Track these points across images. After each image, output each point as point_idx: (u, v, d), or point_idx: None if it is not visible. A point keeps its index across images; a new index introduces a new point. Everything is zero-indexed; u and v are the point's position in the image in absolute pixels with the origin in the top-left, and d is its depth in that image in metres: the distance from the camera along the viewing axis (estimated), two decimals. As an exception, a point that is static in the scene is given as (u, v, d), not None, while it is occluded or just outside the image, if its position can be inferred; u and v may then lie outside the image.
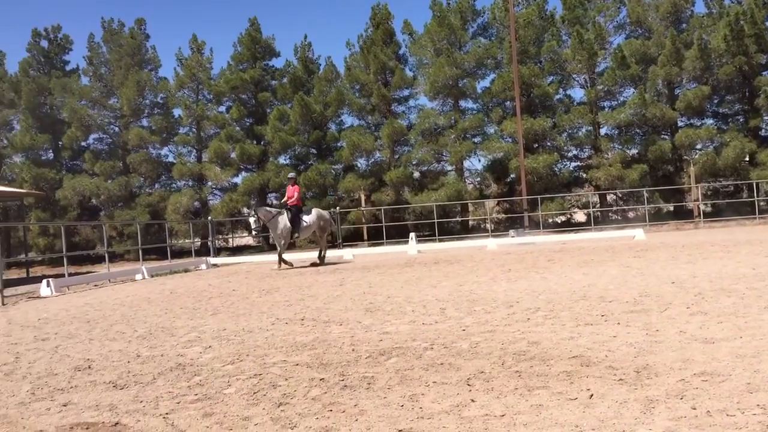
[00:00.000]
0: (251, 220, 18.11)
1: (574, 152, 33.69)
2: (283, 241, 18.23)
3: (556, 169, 32.07)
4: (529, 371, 4.64)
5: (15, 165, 36.64)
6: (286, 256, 18.74)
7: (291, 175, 19.39)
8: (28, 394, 5.09)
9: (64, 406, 4.65)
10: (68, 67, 38.48)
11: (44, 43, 37.74)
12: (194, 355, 6.18)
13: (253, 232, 18.71)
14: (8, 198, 30.70)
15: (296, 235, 18.48)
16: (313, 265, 18.51)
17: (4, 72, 37.71)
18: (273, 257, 24.10)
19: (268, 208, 18.63)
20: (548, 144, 32.33)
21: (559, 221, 32.37)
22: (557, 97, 32.83)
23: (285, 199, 18.85)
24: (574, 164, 33.83)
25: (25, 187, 33.46)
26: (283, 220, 18.01)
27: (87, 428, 4.07)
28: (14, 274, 27.36)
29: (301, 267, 18.14)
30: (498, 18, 33.50)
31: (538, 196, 28.77)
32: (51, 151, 37.41)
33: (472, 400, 4.03)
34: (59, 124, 36.51)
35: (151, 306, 10.72)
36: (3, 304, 13.09)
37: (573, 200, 32.90)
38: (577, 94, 34.40)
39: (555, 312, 7.14)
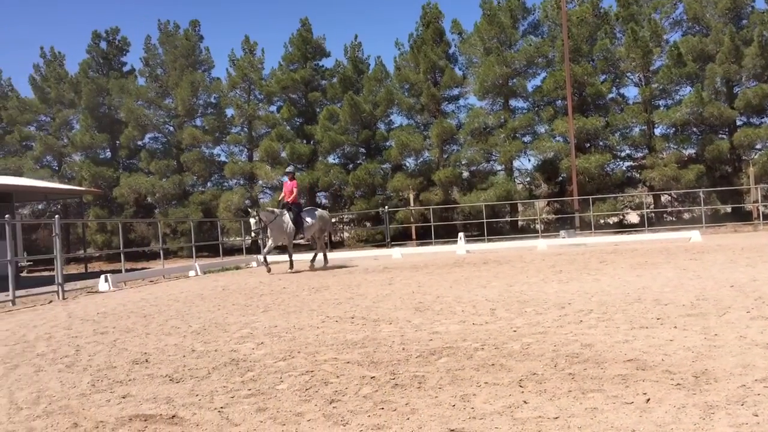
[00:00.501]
0: (252, 221, 17.01)
1: (628, 152, 33.00)
2: (287, 241, 17.58)
3: (608, 169, 31.47)
4: (583, 374, 4.57)
5: (75, 163, 37.82)
6: (271, 258, 18.22)
7: (289, 169, 18.28)
8: (89, 385, 5.25)
9: (123, 398, 4.79)
10: (126, 68, 39.49)
11: (103, 45, 38.83)
12: (247, 351, 6.28)
13: (253, 234, 17.73)
14: (68, 195, 31.72)
15: (300, 235, 17.77)
16: (311, 268, 17.84)
17: (65, 73, 38.92)
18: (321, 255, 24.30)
19: (270, 209, 17.78)
20: (600, 143, 31.77)
21: (611, 222, 31.77)
22: (610, 95, 32.21)
23: (282, 195, 18.04)
24: (627, 164, 33.14)
25: (84, 185, 34.53)
26: (287, 220, 17.24)
27: (145, 420, 4.18)
28: (73, 269, 28.24)
29: (298, 272, 17.16)
30: (550, 16, 33.05)
31: (590, 197, 28.30)
32: (109, 150, 38.49)
33: (525, 402, 4.00)
34: (117, 123, 37.55)
35: (205, 302, 10.93)
36: (63, 299, 13.53)
37: (626, 201, 32.22)
38: (631, 92, 33.79)
39: (608, 314, 7.02)
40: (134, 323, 8.77)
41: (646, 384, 4.22)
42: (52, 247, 14.51)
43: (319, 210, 19.03)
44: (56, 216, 15.43)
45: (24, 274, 27.20)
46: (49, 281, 16.50)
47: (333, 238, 27.10)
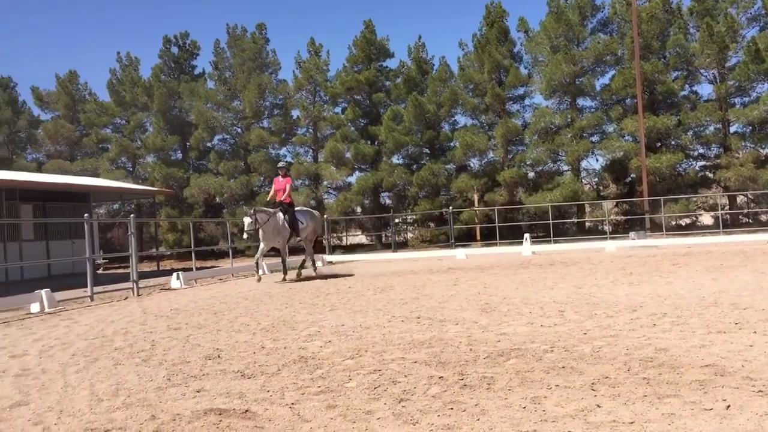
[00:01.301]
0: (247, 221, 14.91)
1: (701, 151, 31.87)
2: (280, 245, 15.72)
3: (680, 169, 30.54)
4: (658, 379, 4.45)
5: (148, 165, 39.12)
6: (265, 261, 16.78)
7: (281, 164, 16.28)
8: (165, 379, 5.42)
9: (198, 392, 4.93)
10: (196, 72, 40.61)
11: (174, 50, 40.00)
12: (315, 348, 6.36)
13: (245, 235, 15.30)
14: (141, 196, 32.81)
15: (297, 238, 15.94)
16: (298, 278, 15.77)
17: (139, 77, 40.29)
18: (385, 256, 24.41)
19: (265, 209, 15.58)
20: (672, 143, 30.81)
21: (683, 224, 30.77)
22: (682, 93, 31.19)
23: (273, 193, 15.94)
24: (700, 164, 32.04)
25: (156, 185, 35.66)
26: (282, 221, 15.35)
27: (219, 414, 4.29)
28: (146, 267, 29.20)
29: (292, 281, 15.24)
30: (619, 12, 32.24)
31: (661, 198, 27.46)
32: (179, 151, 39.63)
33: (598, 406, 3.92)
34: (187, 126, 38.65)
35: (272, 300, 11.13)
36: (138, 295, 14.00)
37: (699, 202, 31.16)
38: (705, 90, 32.62)
39: (683, 318, 6.81)
40: (206, 320, 9.00)
41: (726, 390, 4.08)
42: (126, 245, 15.05)
43: (312, 210, 17.41)
44: (131, 215, 15.97)
45: (100, 271, 28.29)
46: (124, 278, 17.13)
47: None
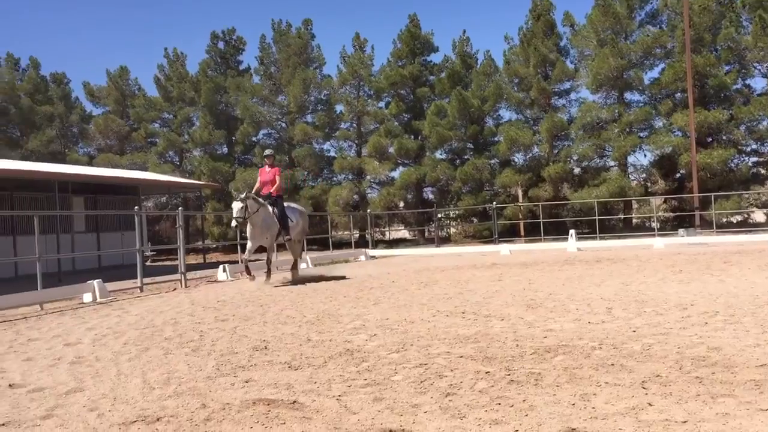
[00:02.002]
0: (236, 207, 12.91)
1: (754, 147, 30.98)
2: (268, 243, 13.64)
3: (732, 164, 29.73)
4: (711, 378, 4.35)
5: (194, 158, 39.81)
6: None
7: (267, 152, 14.43)
8: (214, 369, 5.52)
9: (246, 382, 5.00)
10: (242, 67, 41.13)
11: (221, 45, 40.57)
12: (360, 342, 6.40)
13: (234, 223, 13.09)
14: (188, 189, 33.43)
15: (287, 237, 13.86)
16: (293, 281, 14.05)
17: (186, 73, 40.98)
18: (428, 251, 24.34)
19: (258, 198, 13.42)
20: (724, 138, 30.02)
21: (735, 221, 29.97)
22: (735, 87, 30.35)
23: (258, 185, 13.98)
24: (753, 159, 31.14)
25: (202, 179, 36.23)
26: (272, 216, 13.48)
27: (268, 404, 4.34)
28: (192, 259, 29.71)
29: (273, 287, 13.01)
30: (669, 4, 31.50)
31: (712, 194, 26.77)
32: (225, 145, 40.19)
33: (649, 404, 3.85)
34: (233, 120, 39.17)
35: (317, 293, 11.22)
36: (186, 287, 14.26)
37: (751, 198, 30.29)
38: (759, 83, 31.57)
39: (736, 317, 6.64)
40: (252, 312, 9.12)
41: (783, 391, 3.97)
42: (174, 237, 15.26)
43: (301, 208, 15.58)
44: (179, 208, 16.25)
45: (148, 263, 28.91)
46: (172, 270, 17.46)
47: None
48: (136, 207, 15.52)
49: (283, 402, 4.37)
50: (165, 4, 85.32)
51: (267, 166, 13.98)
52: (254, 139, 39.32)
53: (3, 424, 4.20)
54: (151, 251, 30.93)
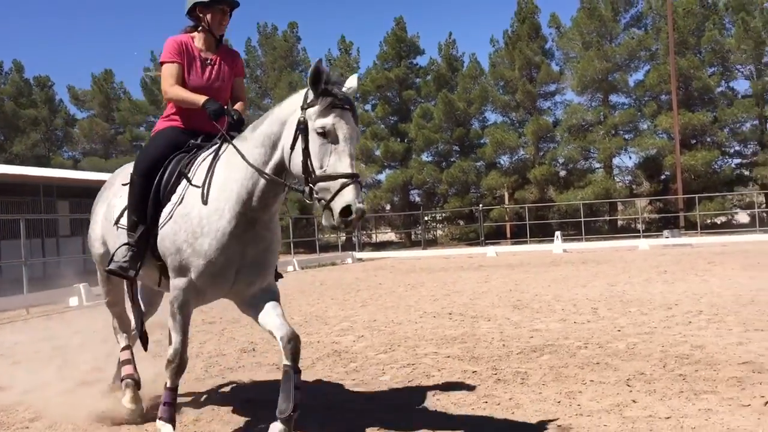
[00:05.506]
0: None
1: (737, 148, 31.35)
2: None
3: (716, 166, 30.03)
4: (695, 375, 4.41)
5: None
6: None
7: None
8: (202, 371, 5.53)
9: (234, 383, 5.02)
10: (227, 71, 40.92)
11: (207, 49, 40.34)
12: (348, 343, 6.42)
13: None
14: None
15: None
16: None
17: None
18: (415, 253, 24.40)
19: None
20: (708, 140, 30.34)
21: (719, 222, 30.26)
22: (719, 89, 30.72)
23: None
24: (736, 161, 31.51)
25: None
26: None
27: (256, 405, 4.37)
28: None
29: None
30: (654, 8, 31.79)
31: (696, 195, 27.04)
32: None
33: (634, 401, 3.91)
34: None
35: (304, 296, 11.23)
36: (172, 290, 14.18)
37: (735, 200, 30.62)
38: (742, 86, 31.96)
39: (720, 316, 6.73)
40: (239, 314, 9.08)
41: (764, 387, 4.04)
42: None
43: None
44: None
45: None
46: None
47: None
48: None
49: (270, 403, 4.38)
50: (150, 7, 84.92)
51: None
52: (241, 142, 39.14)
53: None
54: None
